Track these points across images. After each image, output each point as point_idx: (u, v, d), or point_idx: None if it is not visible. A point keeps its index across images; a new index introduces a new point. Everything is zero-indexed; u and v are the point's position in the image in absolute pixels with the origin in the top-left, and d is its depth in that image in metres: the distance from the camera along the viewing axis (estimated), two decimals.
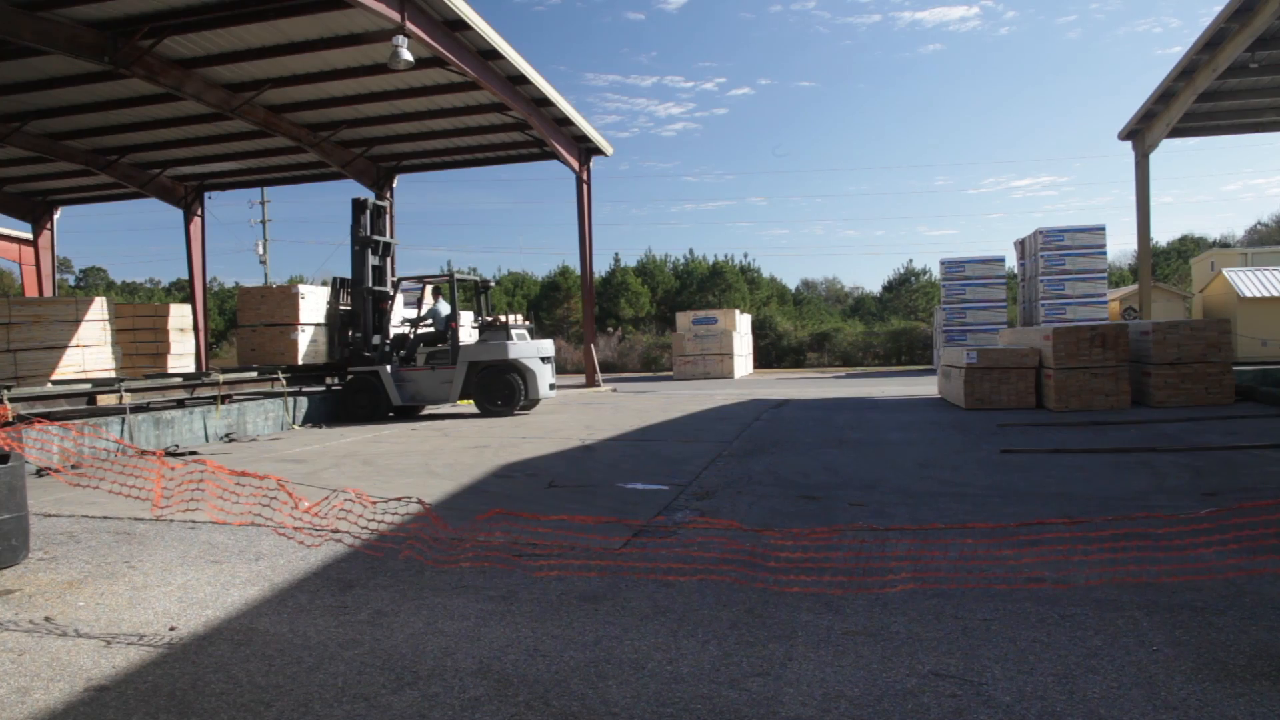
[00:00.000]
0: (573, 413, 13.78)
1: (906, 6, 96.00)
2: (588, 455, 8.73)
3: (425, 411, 14.46)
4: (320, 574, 4.40)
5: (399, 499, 4.65)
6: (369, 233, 13.40)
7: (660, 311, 38.26)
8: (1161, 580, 3.60)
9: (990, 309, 21.28)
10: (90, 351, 15.38)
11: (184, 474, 5.66)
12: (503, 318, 13.75)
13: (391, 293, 13.85)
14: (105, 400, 10.12)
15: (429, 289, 14.42)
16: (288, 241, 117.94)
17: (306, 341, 16.15)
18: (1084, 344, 11.42)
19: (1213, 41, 15.55)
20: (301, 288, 16.46)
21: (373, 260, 13.47)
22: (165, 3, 12.87)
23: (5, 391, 8.83)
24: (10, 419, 6.64)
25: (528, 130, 19.11)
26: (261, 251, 41.56)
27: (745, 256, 44.63)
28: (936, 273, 29.30)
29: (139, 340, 19.81)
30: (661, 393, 18.84)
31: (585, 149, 20.58)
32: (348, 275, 13.83)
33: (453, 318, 13.46)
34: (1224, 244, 40.58)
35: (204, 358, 21.41)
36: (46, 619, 3.80)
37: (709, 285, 38.04)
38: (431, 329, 13.78)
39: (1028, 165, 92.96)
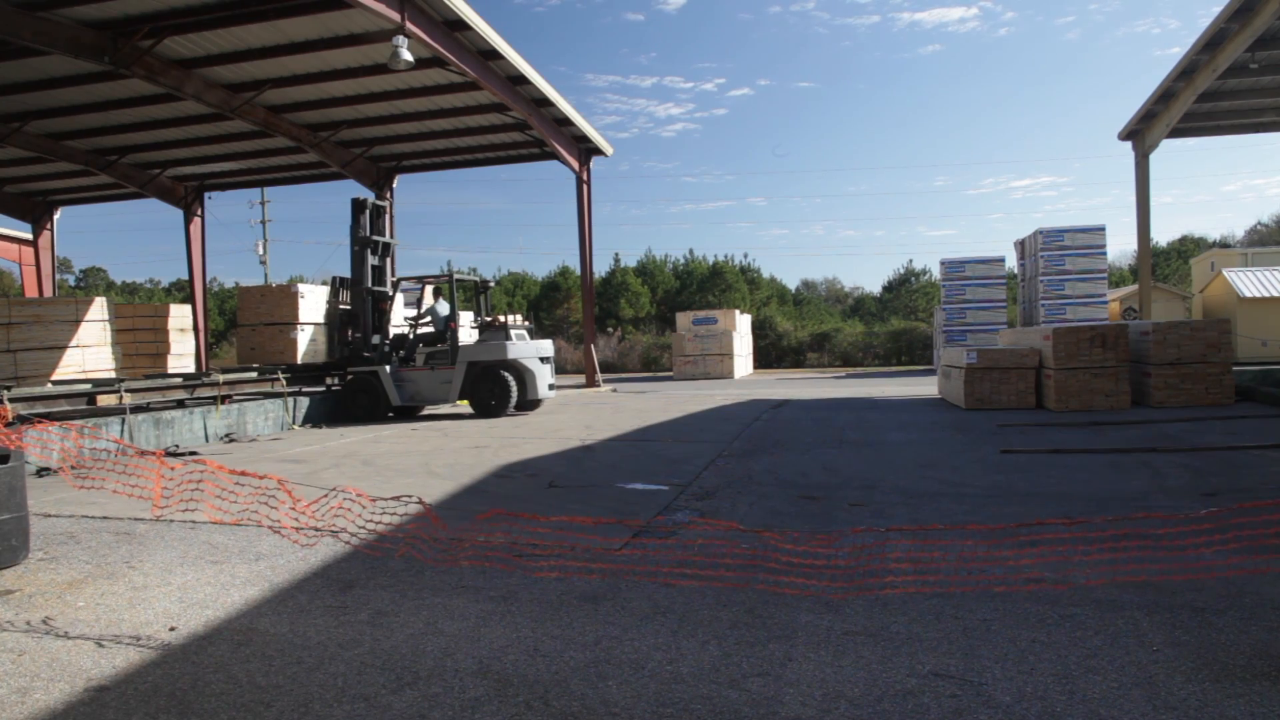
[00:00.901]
0: (573, 413, 13.78)
1: (906, 7, 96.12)
2: (588, 455, 8.72)
3: (425, 411, 14.45)
4: (320, 574, 4.40)
5: (399, 499, 4.65)
6: (369, 233, 13.40)
7: (660, 311, 38.25)
8: (1161, 580, 3.60)
9: (990, 309, 21.28)
10: (90, 352, 15.37)
11: (184, 474, 5.66)
12: (502, 318, 13.75)
13: (391, 293, 13.84)
14: (105, 400, 10.12)
15: (429, 289, 14.42)
16: (288, 241, 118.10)
17: (306, 341, 16.16)
18: (1084, 344, 11.43)
19: (1213, 42, 15.55)
20: (301, 287, 16.46)
21: (372, 260, 13.47)
22: (165, 3, 12.88)
23: (5, 391, 8.83)
24: (11, 419, 6.64)
25: (528, 130, 19.11)
26: (261, 251, 41.62)
27: (745, 256, 44.77)
28: (936, 273, 29.33)
29: (139, 340, 19.82)
30: (661, 393, 18.84)
31: (585, 149, 20.58)
32: (348, 275, 13.83)
33: (452, 318, 13.46)
34: (1224, 244, 40.55)
35: (204, 358, 21.41)
36: (46, 619, 3.80)
37: (709, 285, 38.02)
38: (431, 329, 13.78)
39: (1027, 165, 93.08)
